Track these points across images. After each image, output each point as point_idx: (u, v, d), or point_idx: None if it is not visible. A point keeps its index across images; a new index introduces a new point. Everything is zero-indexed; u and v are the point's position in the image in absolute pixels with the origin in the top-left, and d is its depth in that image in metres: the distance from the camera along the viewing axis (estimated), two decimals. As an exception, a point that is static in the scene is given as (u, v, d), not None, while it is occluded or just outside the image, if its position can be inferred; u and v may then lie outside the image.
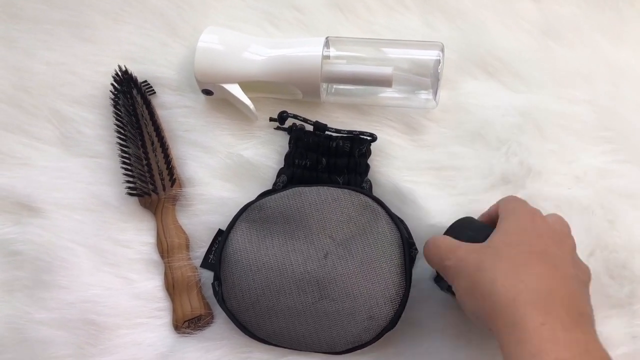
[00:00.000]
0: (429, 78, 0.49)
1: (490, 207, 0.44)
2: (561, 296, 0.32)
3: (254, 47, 0.50)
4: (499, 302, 0.33)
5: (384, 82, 0.49)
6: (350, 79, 0.50)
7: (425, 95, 0.50)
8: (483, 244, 0.37)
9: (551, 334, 0.30)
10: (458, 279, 0.37)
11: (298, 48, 0.49)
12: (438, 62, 0.48)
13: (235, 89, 0.50)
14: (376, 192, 0.50)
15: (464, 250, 0.38)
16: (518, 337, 0.31)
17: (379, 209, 0.46)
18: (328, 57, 0.51)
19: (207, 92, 0.51)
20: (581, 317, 0.32)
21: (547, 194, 0.48)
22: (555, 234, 0.37)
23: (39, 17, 0.56)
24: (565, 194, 0.48)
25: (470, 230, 0.42)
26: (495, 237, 0.37)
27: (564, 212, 0.47)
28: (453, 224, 0.44)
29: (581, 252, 0.47)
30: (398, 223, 0.46)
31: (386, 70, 0.48)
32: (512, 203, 0.40)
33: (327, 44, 0.50)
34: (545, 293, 0.32)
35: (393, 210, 0.47)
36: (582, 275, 0.37)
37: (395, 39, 0.53)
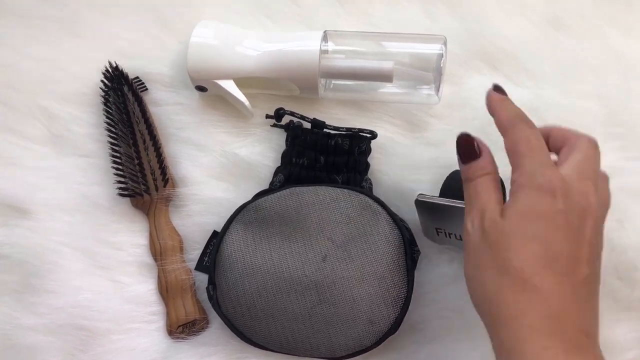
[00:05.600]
0: (431, 73, 0.47)
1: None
2: (569, 317, 0.30)
3: (249, 42, 0.48)
4: (500, 312, 0.31)
5: (385, 77, 0.47)
6: (349, 74, 0.48)
7: (427, 90, 0.48)
8: (500, 221, 0.32)
9: (553, 358, 0.29)
10: (467, 254, 0.33)
11: (295, 42, 0.48)
12: (441, 56, 0.47)
13: (229, 85, 0.48)
14: (376, 191, 0.48)
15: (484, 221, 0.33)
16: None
17: (380, 209, 0.45)
18: (326, 51, 0.49)
19: (201, 89, 0.49)
20: (587, 338, 0.30)
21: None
22: (574, 218, 0.31)
23: (27, 11, 0.54)
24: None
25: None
26: (510, 211, 0.32)
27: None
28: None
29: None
30: (399, 224, 0.44)
31: (386, 64, 0.46)
32: (531, 166, 0.33)
33: (325, 37, 0.48)
34: (552, 316, 0.30)
35: (394, 210, 0.45)
36: (596, 269, 0.32)
37: (396, 32, 0.51)
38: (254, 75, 0.48)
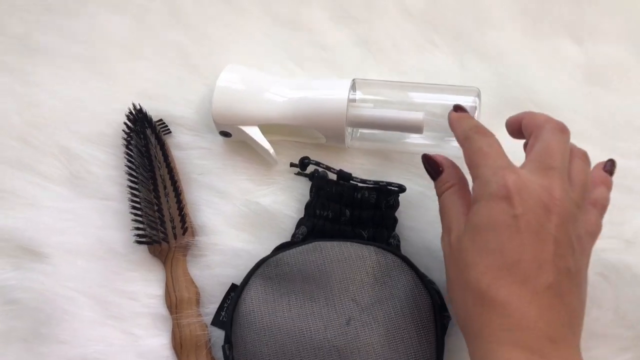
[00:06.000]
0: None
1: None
2: (531, 325, 0.28)
3: (275, 88, 0.47)
4: (467, 327, 0.32)
5: (415, 128, 0.45)
6: (378, 124, 0.46)
7: (457, 142, 0.47)
8: (462, 236, 0.32)
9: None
10: (446, 266, 0.35)
11: (322, 90, 0.46)
12: (474, 108, 0.45)
13: (254, 132, 0.47)
14: (404, 248, 0.46)
15: (454, 235, 0.33)
16: None
17: (408, 269, 0.42)
18: (354, 100, 0.47)
19: (225, 134, 0.48)
20: (552, 344, 0.28)
21: (592, 261, 0.43)
22: (533, 218, 0.29)
23: (54, 50, 0.53)
24: (614, 261, 0.43)
25: None
26: (466, 234, 0.32)
27: (612, 281, 0.43)
28: None
29: (632, 328, 0.42)
30: (429, 286, 0.42)
31: (417, 115, 0.45)
32: (484, 168, 0.32)
33: (353, 86, 0.47)
34: (512, 327, 0.29)
35: (423, 270, 0.43)
36: (567, 266, 0.30)
37: (428, 83, 0.49)
38: (279, 123, 0.46)
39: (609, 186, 0.37)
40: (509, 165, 0.32)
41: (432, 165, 0.38)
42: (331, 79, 0.49)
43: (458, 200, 0.35)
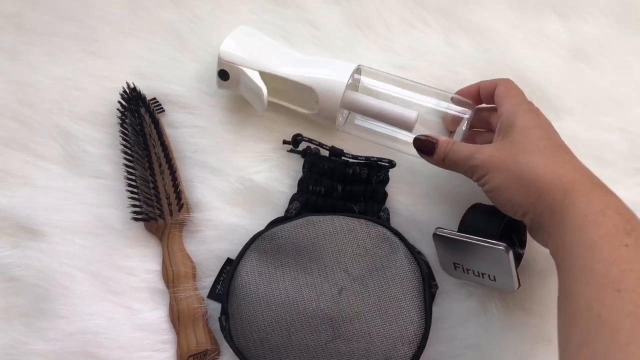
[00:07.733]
0: (454, 133, 0.47)
1: (479, 85, 0.46)
2: (584, 173, 0.38)
3: (287, 53, 0.49)
4: (546, 184, 0.37)
5: (406, 124, 0.45)
6: (371, 112, 0.46)
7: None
8: (505, 141, 0.40)
9: (589, 189, 0.36)
10: (492, 174, 0.40)
11: (328, 65, 0.47)
12: (468, 119, 0.45)
13: (254, 75, 0.46)
14: (394, 221, 0.47)
15: (489, 149, 0.40)
16: (570, 201, 0.36)
17: (397, 241, 0.44)
18: (356, 85, 0.48)
19: (223, 75, 0.47)
20: (602, 185, 0.37)
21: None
22: (550, 124, 0.42)
23: (46, 29, 0.54)
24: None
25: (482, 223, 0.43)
26: (515, 135, 0.40)
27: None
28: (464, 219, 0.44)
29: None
30: (417, 257, 0.43)
31: (411, 113, 0.45)
32: (514, 98, 0.43)
33: (358, 71, 0.47)
34: (577, 171, 0.37)
35: (411, 241, 0.44)
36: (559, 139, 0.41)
37: (429, 86, 0.48)
38: (281, 75, 0.46)
39: None
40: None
41: (427, 143, 0.43)
42: (338, 61, 0.49)
43: (464, 142, 0.43)
